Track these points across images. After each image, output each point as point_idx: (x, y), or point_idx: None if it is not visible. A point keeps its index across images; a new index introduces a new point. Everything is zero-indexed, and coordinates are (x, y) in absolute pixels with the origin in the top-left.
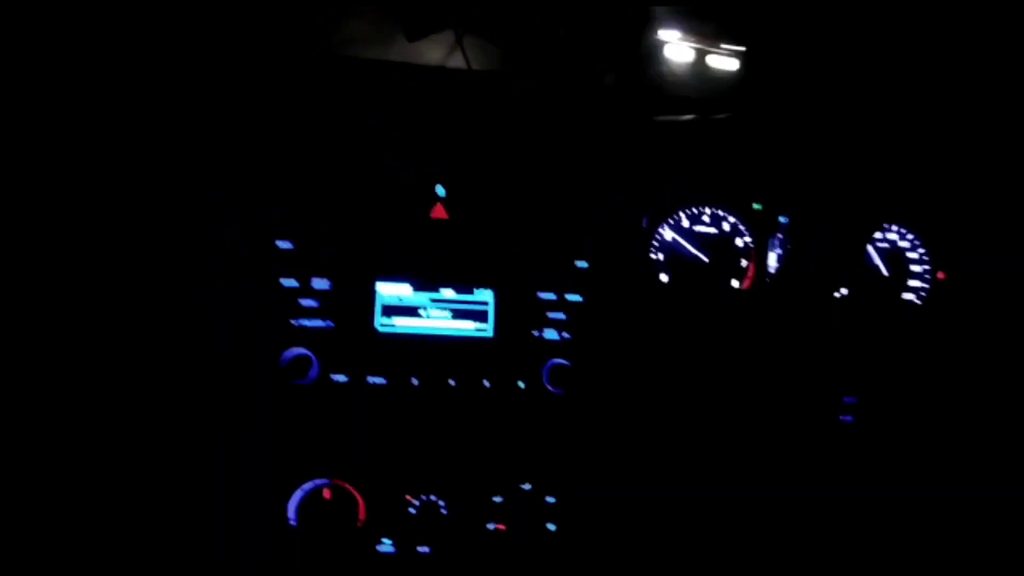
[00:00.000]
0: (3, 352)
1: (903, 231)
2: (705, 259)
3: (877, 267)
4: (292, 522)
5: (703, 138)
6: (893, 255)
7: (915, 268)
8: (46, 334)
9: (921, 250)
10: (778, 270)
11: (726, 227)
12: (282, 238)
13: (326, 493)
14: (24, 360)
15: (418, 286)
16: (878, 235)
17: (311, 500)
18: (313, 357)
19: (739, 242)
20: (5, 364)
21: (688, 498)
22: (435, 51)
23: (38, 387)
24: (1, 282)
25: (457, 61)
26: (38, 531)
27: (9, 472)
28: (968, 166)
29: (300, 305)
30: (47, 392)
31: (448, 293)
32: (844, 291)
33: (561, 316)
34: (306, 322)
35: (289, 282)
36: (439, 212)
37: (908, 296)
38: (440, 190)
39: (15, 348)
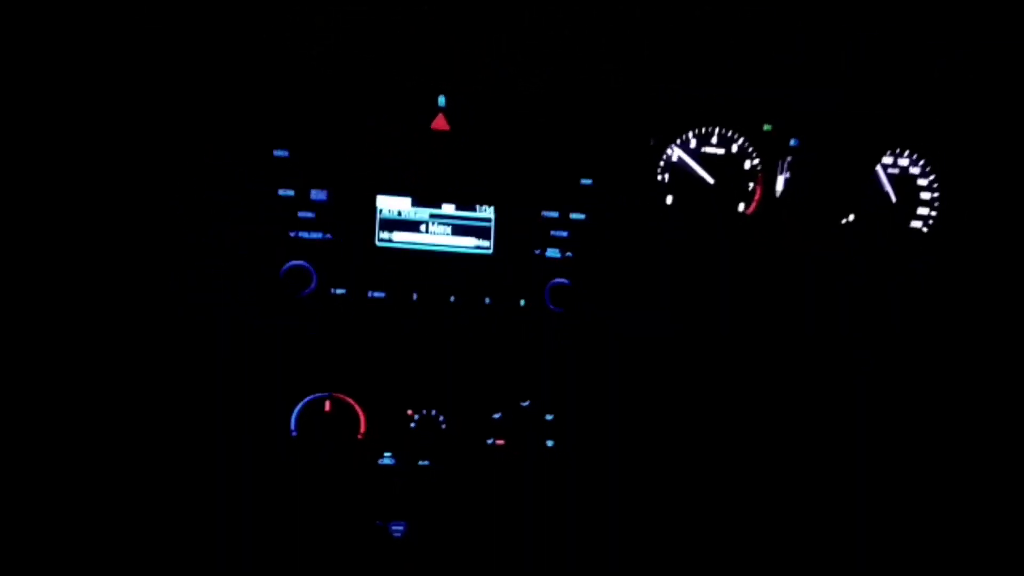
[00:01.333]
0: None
1: (914, 156)
2: (711, 180)
3: (886, 193)
4: (293, 433)
5: (714, 57)
6: (903, 180)
7: (924, 195)
8: (45, 292)
9: (931, 176)
10: (785, 194)
11: (734, 149)
12: (279, 147)
13: (326, 406)
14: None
15: (418, 201)
16: (888, 160)
17: (312, 412)
18: (311, 269)
19: (747, 164)
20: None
21: (683, 421)
22: None
23: (41, 345)
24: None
25: None
26: (45, 472)
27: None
28: (982, 91)
29: (298, 217)
30: (50, 346)
31: (449, 209)
32: (851, 217)
33: (564, 234)
34: (304, 234)
35: (286, 192)
36: (440, 123)
37: (915, 224)
38: (442, 100)
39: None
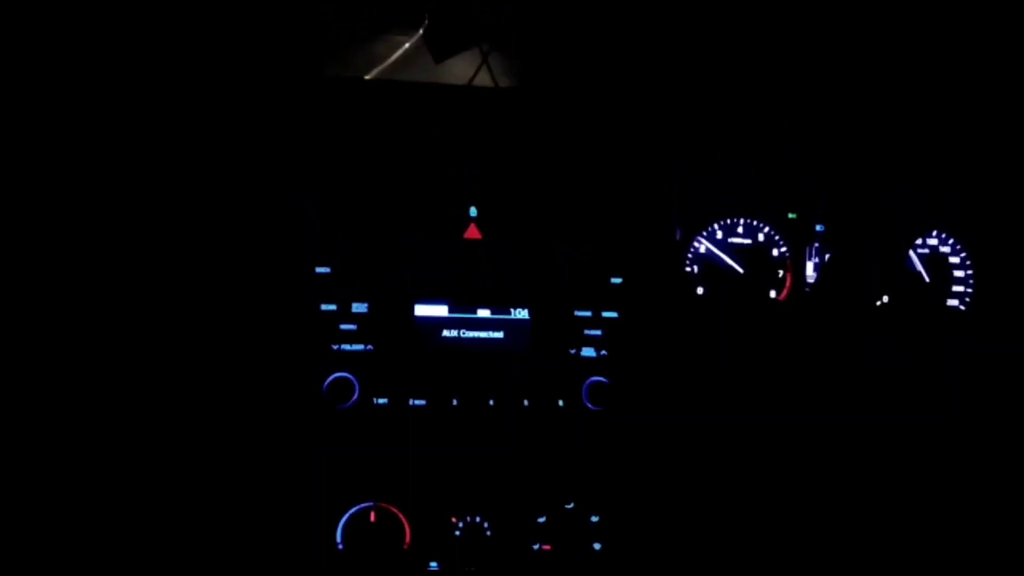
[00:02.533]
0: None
1: (943, 236)
2: (740, 270)
3: (919, 273)
4: (339, 546)
5: (734, 148)
6: (934, 260)
7: (958, 273)
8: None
9: (963, 254)
10: (816, 279)
11: (761, 237)
12: (321, 264)
13: (371, 516)
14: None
15: (455, 307)
16: (917, 241)
17: (357, 523)
18: (354, 380)
19: (775, 252)
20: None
21: (731, 512)
22: (462, 69)
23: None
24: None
25: (484, 79)
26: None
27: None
28: (1009, 168)
29: (340, 329)
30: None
31: (484, 313)
32: (885, 299)
33: (597, 333)
34: (346, 346)
35: (329, 306)
36: (473, 232)
37: (952, 302)
38: (473, 210)
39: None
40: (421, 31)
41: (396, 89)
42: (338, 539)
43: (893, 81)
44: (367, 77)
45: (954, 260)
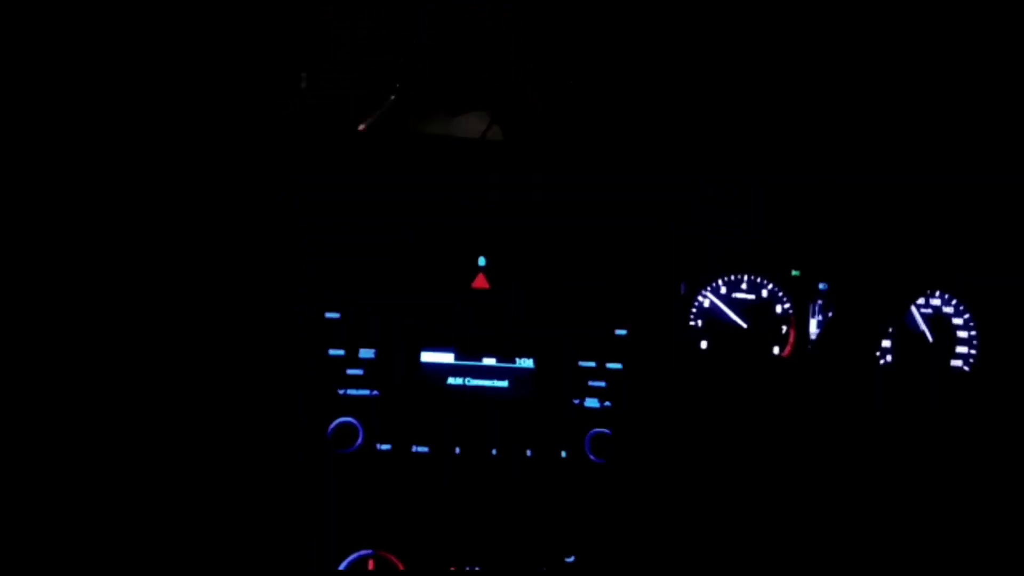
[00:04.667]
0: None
1: (946, 296)
2: (744, 326)
3: (922, 333)
4: None
5: (739, 204)
6: (937, 320)
7: (961, 334)
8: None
9: (966, 315)
10: (819, 337)
11: (765, 294)
12: (330, 310)
13: (370, 564)
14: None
15: (461, 355)
16: (920, 300)
17: (355, 571)
18: (359, 426)
19: (778, 308)
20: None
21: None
22: (473, 124)
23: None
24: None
25: (495, 133)
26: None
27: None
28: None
29: (347, 374)
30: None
31: (490, 362)
32: (888, 358)
33: (602, 384)
34: (352, 391)
35: (337, 352)
36: (480, 282)
37: (956, 363)
38: (481, 260)
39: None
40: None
41: (408, 140)
42: None
43: (899, 141)
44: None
45: (958, 321)
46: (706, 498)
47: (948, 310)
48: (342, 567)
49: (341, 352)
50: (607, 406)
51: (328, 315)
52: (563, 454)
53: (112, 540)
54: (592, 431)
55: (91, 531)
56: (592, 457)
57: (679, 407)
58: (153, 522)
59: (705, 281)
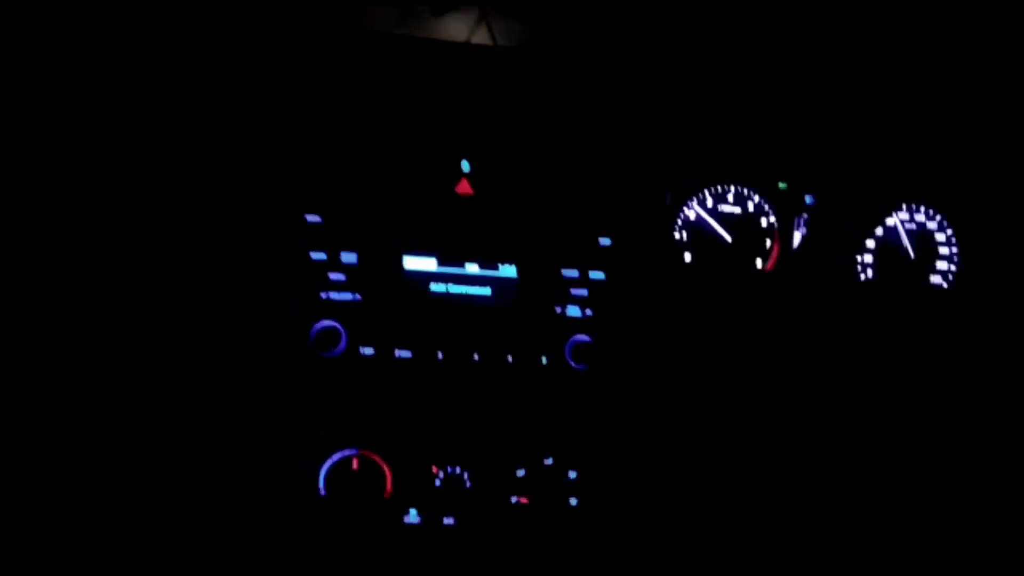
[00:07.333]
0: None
1: (930, 211)
2: (729, 239)
3: (904, 249)
4: (322, 492)
5: (729, 116)
6: (920, 236)
7: (943, 250)
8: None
9: (949, 231)
10: (802, 251)
11: (751, 207)
12: (311, 212)
13: (354, 463)
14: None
15: (443, 260)
16: (904, 216)
17: (339, 470)
18: (342, 329)
19: (763, 222)
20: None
21: (709, 473)
22: (460, 26)
23: (71, 373)
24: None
25: (482, 37)
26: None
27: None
28: (997, 144)
29: (329, 278)
30: (79, 365)
31: (473, 268)
32: (869, 274)
33: (584, 293)
34: (335, 295)
35: (319, 255)
36: (464, 187)
37: (936, 279)
38: (465, 165)
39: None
40: None
41: (394, 43)
42: (320, 485)
43: (887, 56)
44: (365, 30)
45: (940, 237)
46: (681, 405)
47: (932, 225)
48: (326, 467)
49: (323, 256)
50: (589, 315)
51: (309, 218)
52: (544, 360)
53: (103, 446)
54: (573, 339)
55: (81, 438)
56: (572, 364)
57: (660, 318)
58: (140, 426)
59: (691, 191)
